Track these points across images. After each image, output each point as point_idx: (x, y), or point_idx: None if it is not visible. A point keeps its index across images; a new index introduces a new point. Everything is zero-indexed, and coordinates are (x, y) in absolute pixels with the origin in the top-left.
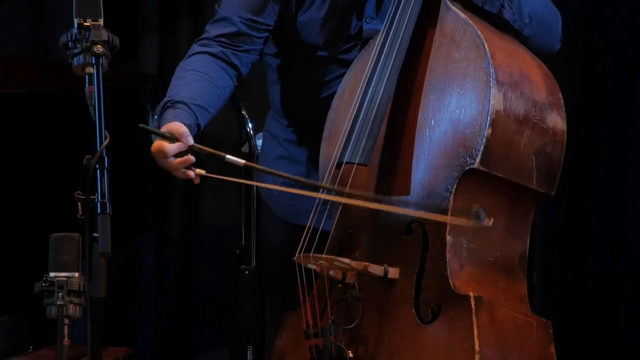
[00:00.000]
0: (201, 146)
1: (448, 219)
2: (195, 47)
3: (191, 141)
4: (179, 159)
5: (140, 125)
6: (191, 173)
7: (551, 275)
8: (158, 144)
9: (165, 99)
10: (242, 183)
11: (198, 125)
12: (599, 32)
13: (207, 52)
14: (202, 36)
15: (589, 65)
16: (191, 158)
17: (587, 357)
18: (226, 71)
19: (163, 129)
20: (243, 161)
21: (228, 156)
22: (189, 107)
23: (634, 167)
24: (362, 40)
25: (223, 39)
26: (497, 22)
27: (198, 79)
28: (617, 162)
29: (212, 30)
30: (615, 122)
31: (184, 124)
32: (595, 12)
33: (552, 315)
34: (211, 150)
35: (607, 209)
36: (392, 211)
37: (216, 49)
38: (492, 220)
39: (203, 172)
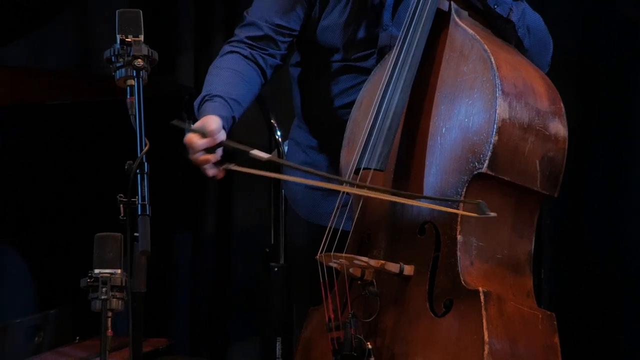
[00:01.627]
0: (229, 142)
1: (460, 210)
2: (227, 48)
3: (221, 138)
4: (205, 155)
5: (173, 121)
6: (211, 171)
7: (557, 272)
8: (189, 138)
9: (203, 93)
10: (271, 181)
11: (233, 117)
12: (596, 43)
13: (237, 52)
14: (232, 38)
15: (589, 74)
16: (213, 157)
17: (590, 347)
18: (255, 70)
19: (198, 123)
20: (267, 155)
21: (252, 151)
22: (226, 101)
23: (633, 171)
24: (377, 48)
25: (250, 42)
26: (503, 31)
27: (232, 75)
28: (616, 167)
29: (241, 33)
30: (614, 129)
31: (222, 116)
32: (590, 24)
33: (558, 309)
34: (237, 145)
35: (607, 211)
36: (406, 203)
37: (245, 50)
38: (495, 213)
39: (235, 166)
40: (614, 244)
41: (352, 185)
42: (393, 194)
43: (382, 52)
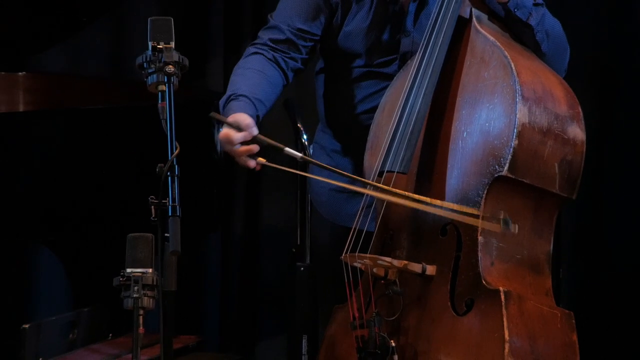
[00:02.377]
0: (263, 137)
1: (479, 222)
2: (251, 49)
3: (255, 132)
4: (244, 147)
5: (211, 113)
6: (252, 162)
7: (576, 272)
8: (225, 132)
9: (228, 92)
10: (297, 184)
11: (258, 116)
12: (618, 50)
13: (261, 54)
14: (256, 40)
15: (609, 76)
16: (254, 147)
17: (609, 346)
18: (277, 71)
19: (230, 119)
20: (300, 154)
21: (287, 149)
22: (251, 100)
23: None
24: (399, 54)
25: (273, 44)
26: (521, 35)
27: (256, 76)
28: (635, 167)
29: (264, 35)
30: (633, 130)
31: (248, 115)
32: (611, 30)
33: (576, 308)
34: (272, 141)
35: (626, 211)
36: (429, 211)
37: (268, 53)
38: (517, 227)
39: (264, 160)
40: (633, 244)
41: (376, 188)
42: (416, 200)
43: (404, 58)
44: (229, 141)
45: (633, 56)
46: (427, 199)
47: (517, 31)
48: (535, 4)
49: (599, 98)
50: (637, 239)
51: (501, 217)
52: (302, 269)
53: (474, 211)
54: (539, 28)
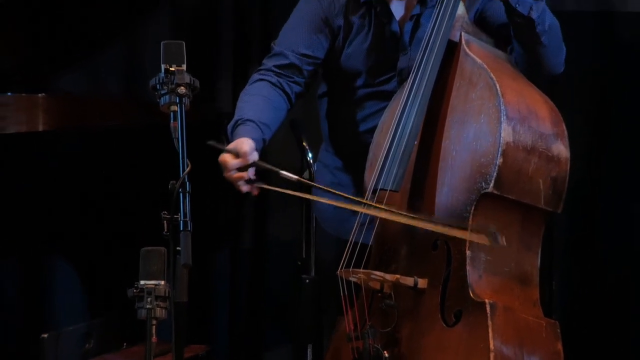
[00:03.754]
0: (260, 162)
1: (467, 235)
2: (256, 76)
3: (253, 158)
4: (237, 174)
5: (209, 142)
6: (246, 187)
7: (568, 283)
8: (223, 157)
9: (236, 117)
10: (302, 200)
11: (264, 140)
12: (611, 65)
13: (265, 80)
14: (260, 67)
15: (603, 94)
16: (247, 174)
17: (600, 354)
18: (282, 96)
19: (232, 144)
20: (295, 176)
21: (282, 172)
22: (257, 125)
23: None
24: (397, 70)
25: (278, 70)
26: (522, 29)
27: (262, 101)
28: (626, 180)
29: (269, 62)
30: (625, 143)
31: (254, 139)
32: (604, 47)
33: (569, 318)
34: (268, 166)
35: (617, 223)
36: (420, 227)
37: (273, 78)
38: (504, 239)
39: (263, 185)
40: (625, 256)
41: (370, 207)
42: (409, 217)
43: (402, 74)
44: (225, 167)
45: (626, 72)
46: (418, 217)
47: (518, 27)
48: None
49: (592, 113)
50: (627, 251)
51: (489, 230)
52: (307, 281)
53: (463, 234)
54: (540, 20)
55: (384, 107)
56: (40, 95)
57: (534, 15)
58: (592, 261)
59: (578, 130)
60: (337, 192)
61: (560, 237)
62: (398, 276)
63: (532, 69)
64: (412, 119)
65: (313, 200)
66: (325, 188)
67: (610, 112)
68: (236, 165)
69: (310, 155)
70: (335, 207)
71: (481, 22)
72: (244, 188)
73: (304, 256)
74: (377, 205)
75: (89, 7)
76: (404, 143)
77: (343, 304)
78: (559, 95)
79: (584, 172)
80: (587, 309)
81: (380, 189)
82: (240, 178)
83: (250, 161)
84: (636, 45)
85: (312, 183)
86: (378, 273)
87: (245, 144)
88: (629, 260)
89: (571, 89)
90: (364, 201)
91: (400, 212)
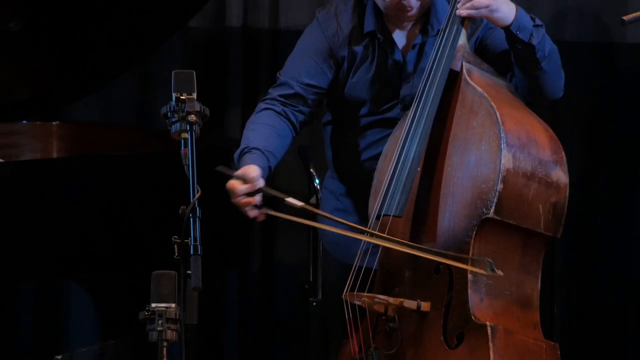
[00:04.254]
0: (267, 188)
1: (469, 267)
2: (261, 105)
3: (260, 184)
4: (245, 199)
5: (218, 167)
6: (253, 212)
7: (569, 307)
8: (231, 183)
9: (242, 146)
10: (305, 224)
11: (270, 167)
12: (607, 95)
13: (271, 109)
14: (266, 97)
15: (600, 121)
16: (254, 200)
17: None
18: (287, 125)
19: (240, 171)
20: (300, 203)
21: (288, 199)
22: (263, 153)
23: (637, 214)
24: (400, 98)
25: (283, 99)
26: (522, 54)
27: (267, 130)
28: (622, 209)
29: (274, 92)
30: (621, 173)
31: (260, 166)
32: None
33: (570, 340)
34: (275, 192)
35: (615, 251)
36: (422, 256)
37: (278, 107)
38: (500, 271)
39: (270, 210)
40: (623, 279)
41: (372, 235)
42: (410, 246)
43: (404, 102)
44: (234, 192)
45: (623, 99)
46: (420, 247)
47: (519, 53)
48: (535, 25)
49: (591, 139)
50: (625, 274)
51: (486, 261)
52: (314, 304)
53: (463, 264)
54: (540, 47)
55: (388, 135)
56: (54, 123)
57: (534, 41)
58: (591, 284)
59: (578, 156)
60: (341, 220)
61: (560, 260)
62: (401, 299)
63: (532, 94)
64: (414, 147)
65: (318, 227)
66: (329, 216)
67: (608, 137)
68: (244, 190)
69: (317, 181)
70: (340, 233)
71: (482, 50)
72: (252, 213)
73: (310, 279)
74: (380, 234)
75: (103, 39)
76: (407, 170)
77: (348, 327)
78: (560, 121)
79: (582, 196)
80: (587, 330)
81: (384, 215)
82: (248, 203)
83: (257, 187)
84: (633, 75)
85: (317, 210)
86: (382, 296)
87: (252, 171)
88: (627, 283)
89: (571, 116)
90: (368, 230)
91: (402, 241)
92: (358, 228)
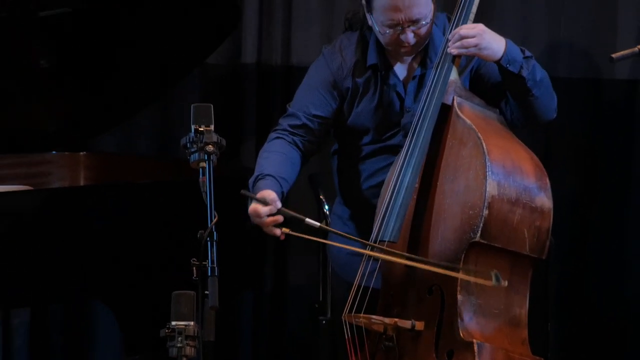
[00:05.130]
0: (286, 209)
1: (470, 278)
2: (273, 135)
3: (279, 205)
4: (270, 218)
5: (242, 191)
6: (277, 231)
7: (562, 325)
8: (253, 207)
9: (256, 173)
10: (319, 247)
11: (282, 192)
12: (600, 124)
13: (282, 138)
14: (277, 127)
15: (591, 155)
16: (279, 218)
17: None
18: (297, 152)
19: (258, 195)
20: (318, 224)
21: (307, 220)
22: (276, 179)
23: (627, 238)
24: (401, 126)
25: (292, 129)
26: (514, 84)
27: (280, 158)
28: (611, 234)
29: (284, 122)
30: (611, 201)
31: (274, 191)
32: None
33: (564, 357)
34: (294, 213)
35: (606, 271)
36: (422, 268)
37: (288, 137)
38: (507, 282)
39: (287, 230)
40: (613, 300)
41: (381, 251)
42: (418, 261)
43: (405, 129)
44: (257, 214)
45: (612, 130)
46: (428, 261)
47: (511, 83)
48: (525, 57)
49: (583, 167)
50: (615, 295)
51: (493, 272)
52: (323, 322)
53: (468, 277)
54: (530, 77)
55: (390, 163)
56: (81, 153)
57: (524, 73)
58: (584, 303)
59: (570, 183)
60: (351, 236)
61: (554, 281)
62: (396, 320)
63: (527, 118)
64: (408, 176)
65: (329, 247)
66: (342, 234)
67: (598, 166)
68: (267, 212)
69: (327, 207)
70: (348, 255)
71: (477, 78)
72: (277, 231)
73: (320, 299)
74: (390, 250)
75: (127, 75)
76: (401, 198)
77: (348, 346)
78: (553, 152)
79: (575, 220)
80: (580, 348)
81: (380, 240)
82: (275, 221)
83: (278, 208)
84: (621, 108)
85: (332, 230)
86: (376, 317)
87: (271, 193)
88: (618, 301)
89: (563, 146)
90: (373, 244)
91: (411, 255)
92: (367, 243)
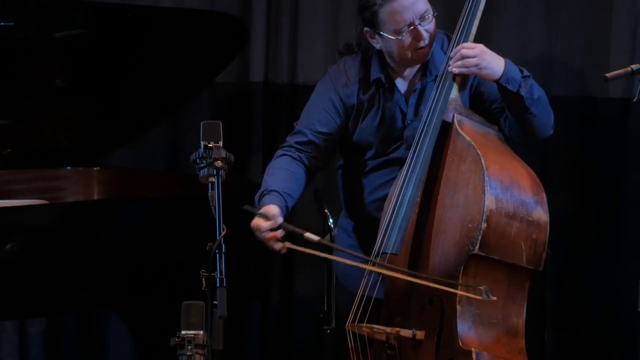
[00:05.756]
0: (287, 224)
1: (462, 293)
2: (280, 152)
3: (280, 220)
4: (270, 234)
5: (244, 206)
6: (278, 245)
7: (559, 334)
8: (255, 221)
9: (262, 188)
10: (323, 259)
11: (287, 207)
12: (595, 141)
13: (288, 155)
14: (284, 144)
15: (588, 168)
16: (279, 233)
17: None
18: (302, 169)
19: (261, 210)
20: (317, 238)
21: (306, 234)
22: (281, 195)
23: (620, 251)
24: (404, 139)
25: (298, 146)
26: (513, 103)
27: (285, 174)
28: (604, 248)
29: (290, 139)
30: (605, 217)
31: (278, 206)
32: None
33: None
34: (294, 228)
35: (599, 284)
36: (420, 283)
37: (294, 154)
38: (494, 297)
39: (289, 244)
40: (607, 312)
41: (380, 266)
42: (414, 275)
43: (408, 141)
44: (259, 229)
45: (606, 148)
46: (423, 276)
47: (510, 102)
48: (524, 77)
49: (577, 183)
50: (607, 308)
51: (482, 288)
52: (328, 331)
53: (460, 292)
54: (528, 95)
55: (394, 177)
56: (95, 168)
57: (522, 92)
58: (578, 315)
59: (566, 200)
60: (351, 252)
61: (550, 294)
62: (398, 329)
63: (526, 134)
64: (409, 191)
65: (332, 259)
66: (341, 248)
67: (594, 182)
68: (268, 227)
69: (331, 220)
70: (352, 266)
71: (478, 95)
72: (277, 246)
73: (325, 309)
74: (389, 265)
75: (139, 93)
76: (403, 212)
77: (351, 355)
78: (549, 169)
79: (570, 235)
80: (574, 357)
81: (382, 252)
82: (274, 237)
83: (279, 223)
84: (614, 125)
85: (331, 244)
86: (378, 327)
87: (273, 208)
88: (611, 313)
89: (559, 163)
90: (373, 260)
91: (407, 270)
92: (367, 259)
